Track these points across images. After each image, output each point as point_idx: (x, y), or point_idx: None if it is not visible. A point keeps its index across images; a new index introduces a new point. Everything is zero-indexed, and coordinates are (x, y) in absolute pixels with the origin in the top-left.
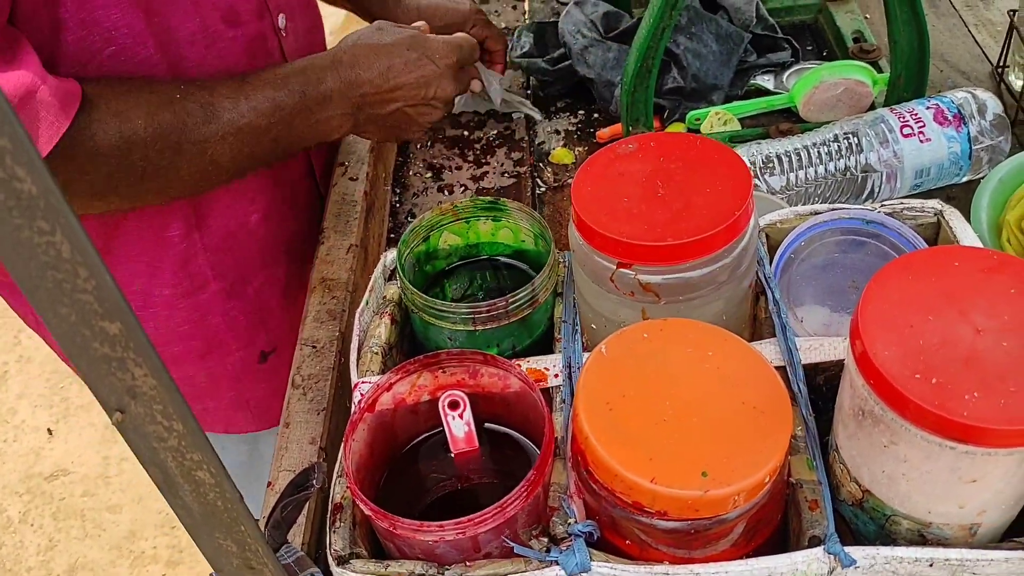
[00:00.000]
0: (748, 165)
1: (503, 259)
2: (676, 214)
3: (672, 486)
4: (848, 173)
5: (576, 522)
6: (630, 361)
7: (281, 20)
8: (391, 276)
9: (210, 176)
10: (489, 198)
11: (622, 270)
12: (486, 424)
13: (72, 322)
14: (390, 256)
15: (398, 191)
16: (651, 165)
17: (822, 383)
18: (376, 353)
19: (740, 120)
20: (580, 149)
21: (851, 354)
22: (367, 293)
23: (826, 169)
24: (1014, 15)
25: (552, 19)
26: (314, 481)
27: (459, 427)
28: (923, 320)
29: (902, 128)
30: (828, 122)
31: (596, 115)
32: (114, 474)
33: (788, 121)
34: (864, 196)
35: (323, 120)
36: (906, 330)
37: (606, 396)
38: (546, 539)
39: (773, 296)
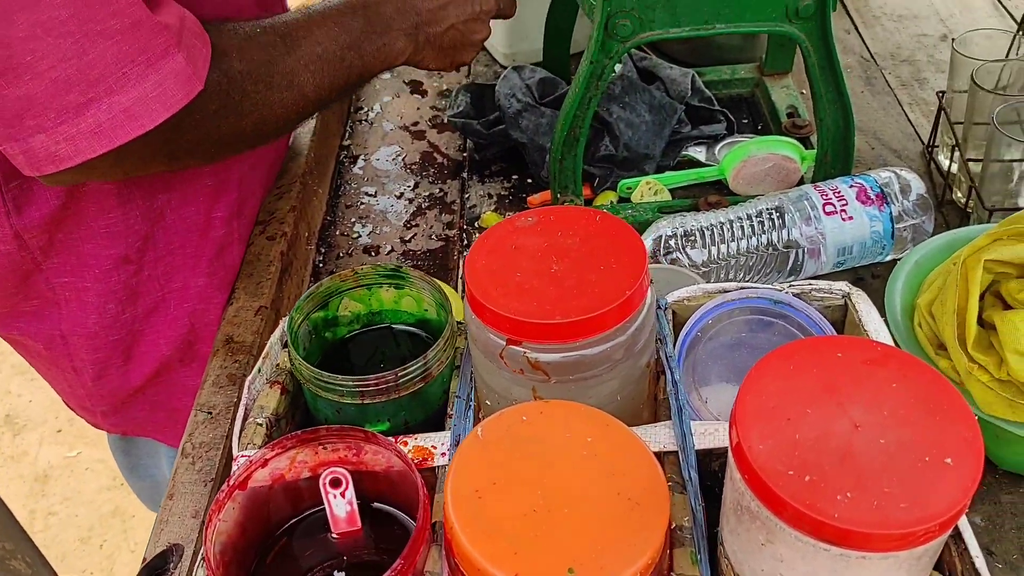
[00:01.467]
0: (669, 239)
1: (405, 328)
2: (568, 291)
3: None
4: (772, 248)
5: None
6: (506, 445)
7: None
8: (287, 344)
9: (299, 107)
10: (392, 265)
11: (512, 347)
12: (373, 504)
13: None
14: (286, 324)
15: (323, 250)
16: (548, 240)
17: (717, 469)
18: (260, 424)
19: (671, 190)
20: (511, 214)
21: (730, 447)
22: (260, 360)
23: (749, 244)
24: (943, 96)
25: (492, 82)
26: (171, 566)
27: (341, 506)
28: (801, 413)
29: (825, 206)
30: (756, 196)
31: (529, 180)
32: (39, 529)
33: (718, 193)
34: (788, 271)
35: (387, 44)
36: (783, 423)
37: (477, 482)
38: None
39: (672, 377)
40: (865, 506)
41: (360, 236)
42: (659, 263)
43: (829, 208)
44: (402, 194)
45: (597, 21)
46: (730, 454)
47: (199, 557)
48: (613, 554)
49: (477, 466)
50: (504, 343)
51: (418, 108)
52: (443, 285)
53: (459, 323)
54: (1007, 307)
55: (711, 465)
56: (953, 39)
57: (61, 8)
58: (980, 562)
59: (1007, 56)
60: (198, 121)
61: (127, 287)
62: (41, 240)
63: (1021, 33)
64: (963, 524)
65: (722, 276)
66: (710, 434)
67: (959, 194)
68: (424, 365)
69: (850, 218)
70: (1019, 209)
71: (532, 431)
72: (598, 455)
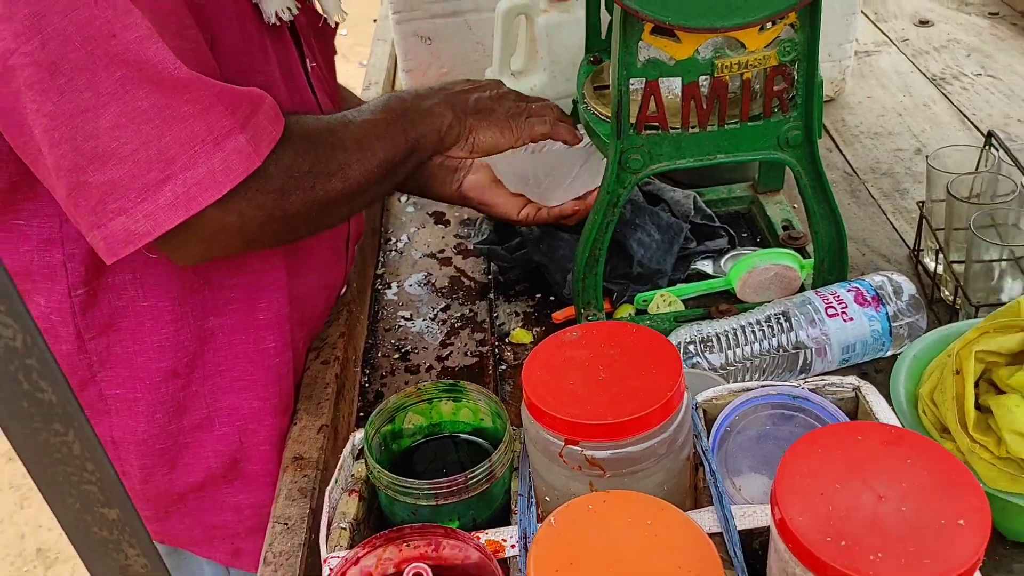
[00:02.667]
0: (688, 344)
1: (464, 436)
2: (616, 395)
3: None
4: (782, 350)
5: None
6: (577, 531)
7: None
8: (359, 455)
9: (371, 167)
10: (450, 381)
11: (570, 447)
12: None
13: (77, 510)
14: (358, 436)
15: (367, 372)
16: (593, 351)
17: (758, 547)
18: (344, 529)
19: (683, 301)
20: (537, 329)
21: (773, 521)
22: (336, 471)
23: (760, 347)
24: (923, 206)
25: None
26: None
27: None
28: (832, 489)
29: (827, 309)
30: (763, 303)
31: (551, 298)
32: None
33: (727, 302)
34: (799, 369)
35: (429, 115)
36: (817, 498)
37: (556, 563)
38: None
39: (710, 467)
40: (894, 563)
41: (400, 357)
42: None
43: (831, 311)
44: (435, 316)
45: (611, 157)
46: (773, 528)
47: None
48: None
49: (554, 550)
50: (563, 443)
51: (443, 237)
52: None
53: (514, 429)
54: (999, 392)
55: (752, 544)
56: (927, 156)
57: (144, 99)
58: None
59: (976, 168)
60: (262, 196)
61: (175, 400)
62: (99, 345)
63: (987, 148)
64: None
65: (739, 378)
66: (748, 516)
67: (947, 292)
68: (490, 467)
69: (851, 319)
70: (1003, 304)
71: (598, 517)
72: (657, 535)
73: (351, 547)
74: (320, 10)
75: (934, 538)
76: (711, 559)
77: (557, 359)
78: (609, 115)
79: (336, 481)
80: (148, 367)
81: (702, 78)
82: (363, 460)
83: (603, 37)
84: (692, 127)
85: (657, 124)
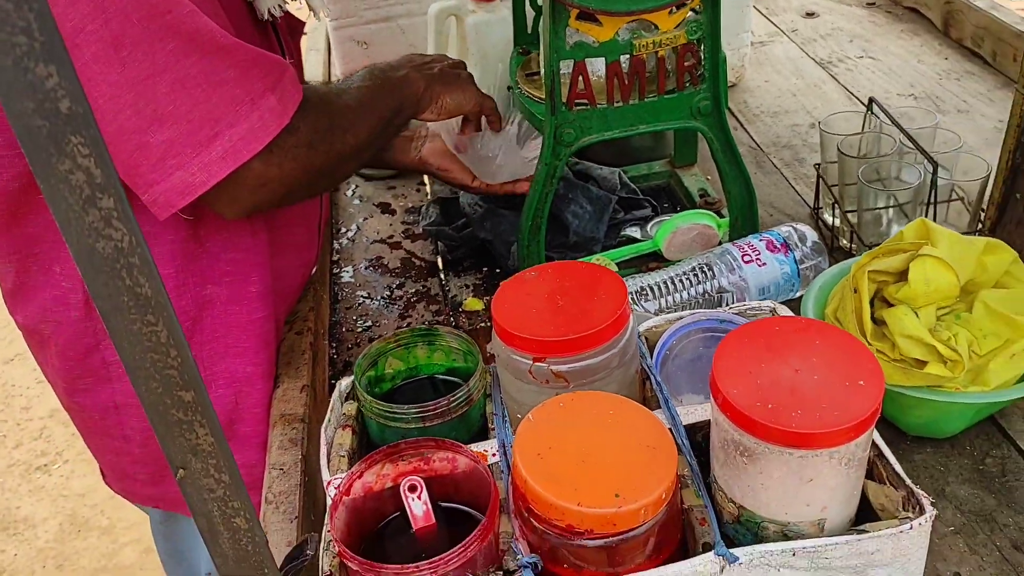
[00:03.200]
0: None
1: (439, 377)
2: (573, 317)
3: (594, 506)
4: (707, 295)
5: (523, 556)
6: (552, 423)
7: None
8: (347, 398)
9: (364, 135)
10: (424, 327)
11: (537, 363)
12: (440, 503)
13: (159, 393)
14: (344, 383)
15: (334, 345)
16: (551, 285)
17: (700, 439)
18: (343, 456)
19: (617, 264)
20: (488, 298)
21: (714, 401)
22: (328, 412)
23: (688, 294)
24: (819, 167)
25: (452, 195)
26: (308, 551)
27: (418, 507)
28: (758, 368)
29: (743, 257)
30: (686, 259)
31: (498, 270)
32: None
33: (656, 261)
34: None
35: (405, 78)
36: (747, 375)
37: (536, 449)
38: (500, 573)
39: (655, 378)
40: (810, 418)
41: (363, 330)
42: None
43: (747, 258)
44: (391, 294)
45: (547, 132)
46: (714, 406)
47: (320, 551)
48: (644, 481)
49: (534, 439)
50: (531, 361)
51: (390, 224)
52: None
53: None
54: (890, 305)
55: (695, 436)
56: (819, 123)
57: (193, 66)
58: (897, 467)
59: (862, 130)
60: (296, 149)
61: None
62: None
63: (869, 112)
64: (882, 444)
65: None
66: (691, 413)
67: (844, 241)
68: (468, 392)
69: (764, 264)
70: None
71: (568, 411)
72: (620, 422)
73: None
74: (309, 6)
75: (841, 395)
76: (665, 437)
77: (521, 293)
78: (542, 97)
79: (329, 420)
80: None
81: (623, 57)
82: (351, 401)
83: (528, 32)
84: (617, 102)
85: (586, 101)
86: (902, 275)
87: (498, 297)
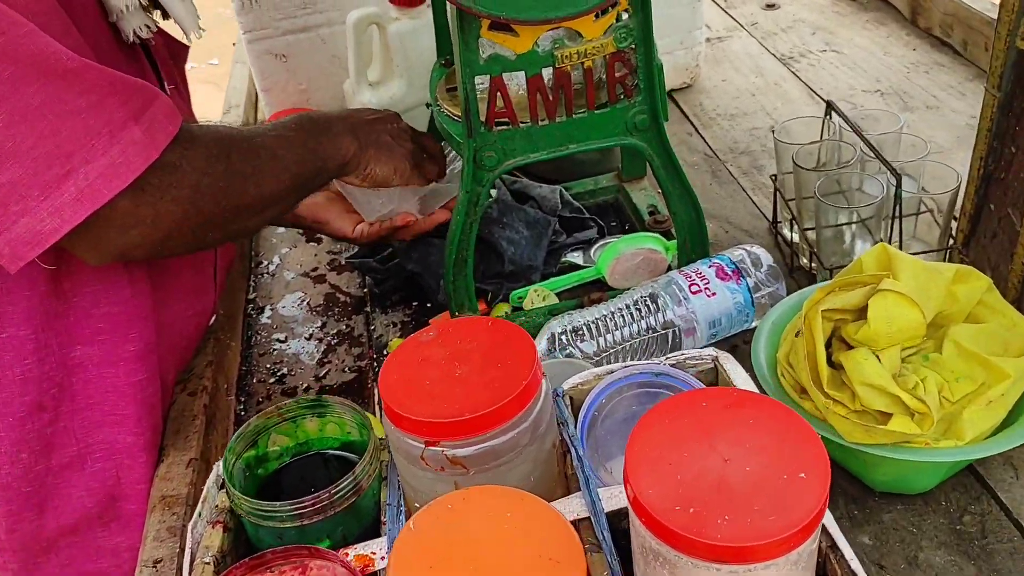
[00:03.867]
0: (560, 335)
1: (333, 452)
2: (472, 390)
3: None
4: (652, 331)
5: None
6: (437, 533)
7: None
8: (223, 485)
9: (268, 191)
10: (312, 397)
11: (430, 448)
12: None
13: None
14: (221, 466)
15: (242, 399)
16: (449, 349)
17: (627, 527)
18: (207, 563)
19: (557, 294)
20: None
21: (627, 499)
22: (199, 504)
23: (631, 330)
24: (775, 179)
25: None
26: None
27: None
28: (680, 457)
29: (691, 287)
30: (633, 287)
31: (428, 304)
32: None
33: (599, 290)
34: (669, 349)
35: (335, 138)
36: (667, 468)
37: (416, 568)
38: None
39: (576, 453)
40: (741, 525)
41: (276, 380)
42: (554, 356)
43: (695, 288)
44: (311, 335)
45: (466, 156)
46: (628, 504)
47: None
48: None
49: (414, 555)
50: (423, 445)
51: (315, 255)
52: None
53: (381, 439)
54: (849, 348)
55: (621, 524)
56: (773, 129)
57: (35, 95)
58: (855, 564)
59: (820, 137)
60: (177, 191)
61: (42, 437)
62: None
63: (828, 117)
64: (836, 534)
65: (613, 361)
66: (616, 497)
67: (804, 260)
68: (354, 480)
69: (714, 294)
70: None
71: (457, 516)
72: (518, 527)
73: None
74: (180, 27)
75: (779, 493)
76: (572, 544)
77: (414, 360)
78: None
79: (200, 514)
80: (11, 402)
81: (545, 70)
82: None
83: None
84: (542, 120)
85: (507, 120)
86: (861, 312)
87: (387, 367)
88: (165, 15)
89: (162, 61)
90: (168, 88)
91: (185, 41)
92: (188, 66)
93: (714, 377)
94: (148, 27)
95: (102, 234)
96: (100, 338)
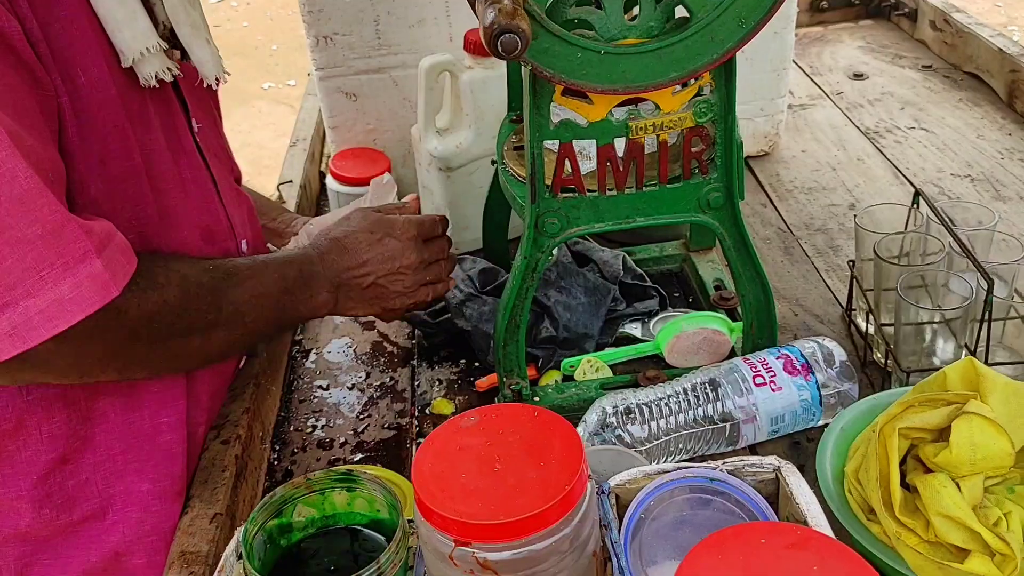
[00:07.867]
0: (611, 416)
1: (360, 528)
2: (512, 489)
3: None
4: (709, 421)
5: None
6: None
7: (244, 245)
8: (242, 555)
9: (237, 337)
10: (343, 469)
11: (460, 548)
12: None
13: None
14: (241, 535)
15: (277, 448)
16: (490, 438)
17: None
18: None
19: (611, 366)
20: (461, 398)
21: None
22: (216, 573)
23: (687, 417)
24: (853, 266)
25: None
26: None
27: None
28: None
29: (755, 377)
30: (692, 367)
31: (476, 364)
32: None
33: (656, 367)
34: (726, 441)
35: (312, 296)
36: None
37: None
38: None
39: (618, 564)
40: None
41: (314, 431)
42: (602, 437)
43: (759, 380)
44: (354, 385)
45: (527, 221)
46: None
47: None
48: None
49: None
50: (453, 544)
51: None
52: (396, 477)
53: (410, 521)
54: (927, 470)
55: None
56: (855, 214)
57: None
58: None
59: (906, 227)
60: (111, 334)
61: (63, 490)
62: None
63: (915, 205)
64: None
65: (665, 448)
66: None
67: (879, 355)
68: (378, 569)
69: (779, 388)
70: (935, 369)
71: None
72: None
73: None
74: (200, 72)
75: None
76: None
77: (451, 448)
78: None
79: None
80: (36, 460)
81: (617, 140)
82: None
83: None
84: (610, 190)
85: (574, 187)
86: (942, 432)
87: (422, 453)
88: (185, 55)
89: (191, 99)
90: (196, 127)
91: (210, 83)
92: (264, 85)
93: (774, 488)
94: (170, 69)
95: (19, 370)
96: (123, 386)
